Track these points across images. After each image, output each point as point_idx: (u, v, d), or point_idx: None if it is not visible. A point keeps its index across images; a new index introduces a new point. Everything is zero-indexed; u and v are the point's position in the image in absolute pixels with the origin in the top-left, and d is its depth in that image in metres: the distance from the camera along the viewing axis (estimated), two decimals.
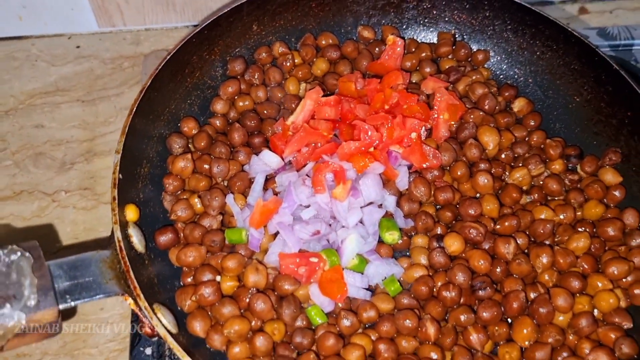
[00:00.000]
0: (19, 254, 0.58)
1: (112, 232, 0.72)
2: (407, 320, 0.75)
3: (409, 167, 0.88)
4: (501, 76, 1.06)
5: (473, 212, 0.83)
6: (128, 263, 0.67)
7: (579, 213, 0.87)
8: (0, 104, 1.21)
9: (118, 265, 0.68)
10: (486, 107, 0.94)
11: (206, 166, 0.87)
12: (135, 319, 0.78)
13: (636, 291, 0.77)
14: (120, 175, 0.76)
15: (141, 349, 0.84)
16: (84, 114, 1.20)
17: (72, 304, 0.63)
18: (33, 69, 1.26)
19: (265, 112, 0.95)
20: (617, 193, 0.87)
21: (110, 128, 1.18)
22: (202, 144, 0.90)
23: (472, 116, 0.92)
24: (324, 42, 1.04)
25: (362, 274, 0.80)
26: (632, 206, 0.86)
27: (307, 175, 0.85)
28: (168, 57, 0.87)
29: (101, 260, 0.67)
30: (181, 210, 0.83)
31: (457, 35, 1.07)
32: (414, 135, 0.85)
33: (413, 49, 1.04)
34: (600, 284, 0.79)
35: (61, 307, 0.61)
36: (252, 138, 0.92)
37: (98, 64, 1.27)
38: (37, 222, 1.06)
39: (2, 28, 1.28)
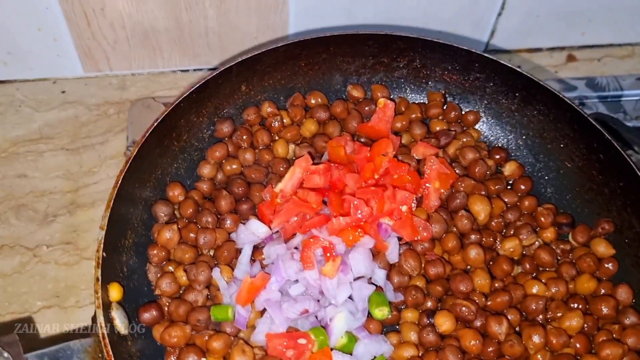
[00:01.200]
0: None
1: (95, 315, 0.69)
2: None
3: (399, 239, 0.87)
4: (491, 137, 1.05)
5: (464, 289, 0.81)
6: (111, 353, 0.65)
7: (570, 286, 0.86)
8: None
9: (100, 354, 0.66)
10: (477, 173, 0.93)
11: (192, 235, 0.85)
12: None
13: None
14: (104, 254, 0.74)
15: None
16: (68, 163, 1.17)
17: None
18: (17, 115, 1.24)
19: (252, 176, 0.94)
20: (609, 266, 0.86)
21: (94, 178, 1.16)
22: (189, 211, 0.88)
23: (462, 185, 0.91)
24: (312, 102, 1.02)
25: (351, 354, 0.79)
26: (625, 281, 0.85)
27: (295, 248, 0.83)
28: (155, 123, 0.85)
29: (83, 349, 0.65)
30: (166, 284, 0.81)
31: (447, 95, 1.06)
32: (404, 208, 0.84)
33: (403, 109, 1.03)
34: None
35: None
36: (240, 205, 0.90)
37: (83, 110, 1.25)
38: (17, 278, 1.03)
39: None
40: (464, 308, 0.79)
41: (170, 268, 0.84)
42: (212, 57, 1.28)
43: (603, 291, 0.84)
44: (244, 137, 0.96)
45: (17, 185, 1.14)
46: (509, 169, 0.98)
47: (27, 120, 1.23)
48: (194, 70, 1.30)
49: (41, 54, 1.23)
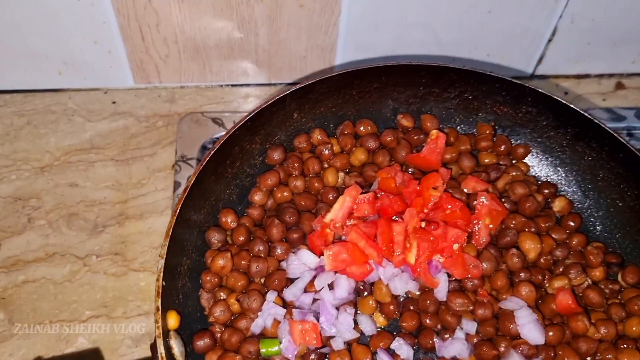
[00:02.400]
0: None
1: (155, 344, 0.72)
2: None
3: (448, 275, 0.88)
4: (540, 171, 1.05)
5: (514, 330, 0.82)
6: None
7: (619, 327, 0.86)
8: (36, 159, 1.21)
9: None
10: (527, 210, 0.93)
11: (244, 262, 0.87)
12: None
13: None
14: (164, 282, 0.76)
15: None
16: (118, 174, 1.20)
17: None
18: (69, 124, 1.27)
19: (303, 203, 0.95)
20: None
21: (142, 190, 1.19)
22: (241, 238, 0.90)
23: (513, 222, 0.91)
24: (362, 129, 1.03)
25: None
26: None
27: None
28: (212, 151, 0.87)
29: None
30: (220, 312, 0.83)
31: (496, 127, 1.06)
32: (456, 246, 0.84)
33: (452, 140, 1.03)
34: None
35: None
36: (290, 233, 0.92)
37: (133, 121, 1.28)
38: (68, 286, 1.06)
39: (41, 81, 1.29)
40: (522, 347, 0.80)
41: (222, 295, 0.86)
42: (260, 74, 1.30)
43: None
44: (295, 164, 0.98)
45: (69, 194, 1.17)
46: (558, 204, 0.97)
47: (79, 129, 1.26)
48: (241, 85, 1.32)
49: (95, 65, 1.26)
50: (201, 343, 0.80)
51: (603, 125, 0.94)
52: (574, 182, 1.02)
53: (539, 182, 1.02)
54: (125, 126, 1.27)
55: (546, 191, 0.99)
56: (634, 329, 0.85)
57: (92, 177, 1.20)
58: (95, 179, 1.19)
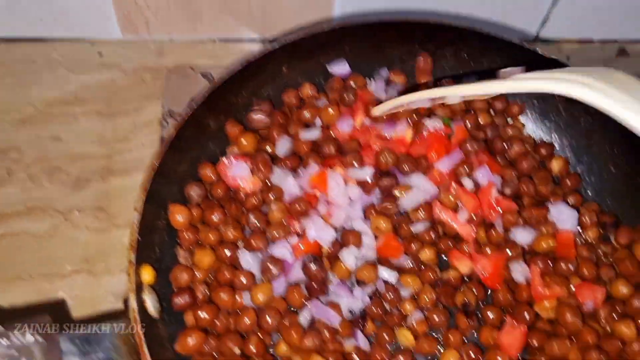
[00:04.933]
0: (29, 337, 0.56)
1: (127, 299, 0.70)
2: None
3: None
4: (534, 133, 1.02)
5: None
6: (143, 337, 0.66)
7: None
8: (18, 110, 1.17)
9: (131, 338, 0.67)
10: (524, 169, 0.92)
11: (214, 217, 0.85)
12: None
13: None
14: (139, 237, 0.74)
15: None
16: (103, 128, 1.16)
17: None
18: (53, 75, 1.22)
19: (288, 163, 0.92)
20: None
21: (128, 145, 1.15)
22: (219, 192, 0.88)
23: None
24: (352, 84, 1.00)
25: None
26: None
27: None
28: (196, 105, 0.84)
29: (115, 332, 0.66)
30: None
31: None
32: None
33: None
34: None
35: None
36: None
37: (119, 74, 1.24)
38: (49, 241, 1.04)
39: (22, 29, 1.24)
40: None
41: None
42: (254, 29, 1.26)
43: None
44: (280, 120, 0.95)
45: (51, 147, 1.13)
46: (556, 165, 0.96)
47: (63, 81, 1.21)
48: (233, 40, 1.27)
49: (80, 15, 1.21)
50: (180, 300, 0.78)
51: None
52: (567, 146, 1.00)
53: (536, 143, 1.00)
54: (111, 79, 1.23)
55: (543, 151, 0.97)
56: (621, 290, 0.84)
57: (75, 130, 1.16)
58: (79, 132, 1.15)
